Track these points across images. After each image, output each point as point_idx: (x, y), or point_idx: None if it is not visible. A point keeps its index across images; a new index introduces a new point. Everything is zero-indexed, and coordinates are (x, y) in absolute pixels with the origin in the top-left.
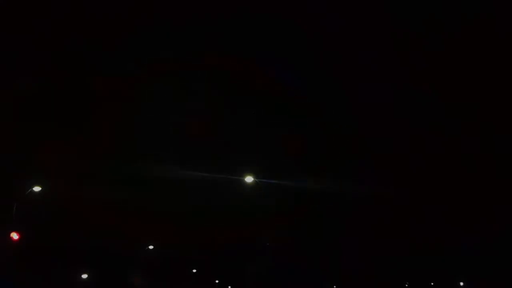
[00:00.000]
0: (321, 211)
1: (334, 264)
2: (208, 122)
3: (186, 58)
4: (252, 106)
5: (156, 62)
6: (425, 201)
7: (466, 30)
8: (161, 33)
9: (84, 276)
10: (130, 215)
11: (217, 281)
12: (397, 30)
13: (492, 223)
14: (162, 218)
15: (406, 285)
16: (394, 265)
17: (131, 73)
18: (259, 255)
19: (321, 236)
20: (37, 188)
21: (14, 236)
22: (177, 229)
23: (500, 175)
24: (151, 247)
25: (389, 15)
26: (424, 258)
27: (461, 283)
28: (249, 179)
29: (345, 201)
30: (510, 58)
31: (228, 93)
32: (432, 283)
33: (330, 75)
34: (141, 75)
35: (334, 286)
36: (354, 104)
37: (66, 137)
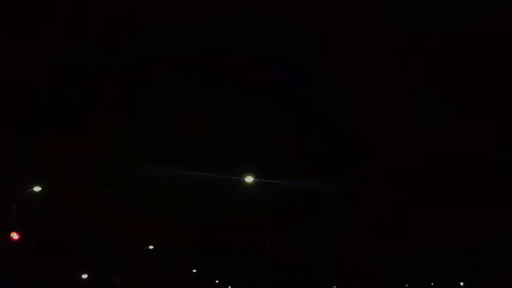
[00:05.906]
0: (321, 211)
1: (334, 264)
2: (208, 122)
3: (186, 58)
4: (252, 106)
5: (156, 62)
6: (425, 201)
7: (466, 30)
8: (161, 33)
9: (84, 276)
10: (130, 215)
11: (217, 281)
12: (397, 30)
13: (492, 223)
14: (162, 218)
15: (406, 285)
16: (394, 265)
17: (131, 73)
18: (259, 255)
19: (321, 236)
20: (37, 188)
21: (14, 236)
22: (177, 229)
23: (500, 175)
24: (151, 247)
25: (389, 15)
26: (424, 258)
27: (461, 283)
28: (249, 179)
29: (345, 201)
30: (510, 58)
31: (228, 93)
32: (432, 283)
33: (330, 75)
34: (141, 75)
35: (334, 286)
36: (354, 104)
37: (66, 137)
